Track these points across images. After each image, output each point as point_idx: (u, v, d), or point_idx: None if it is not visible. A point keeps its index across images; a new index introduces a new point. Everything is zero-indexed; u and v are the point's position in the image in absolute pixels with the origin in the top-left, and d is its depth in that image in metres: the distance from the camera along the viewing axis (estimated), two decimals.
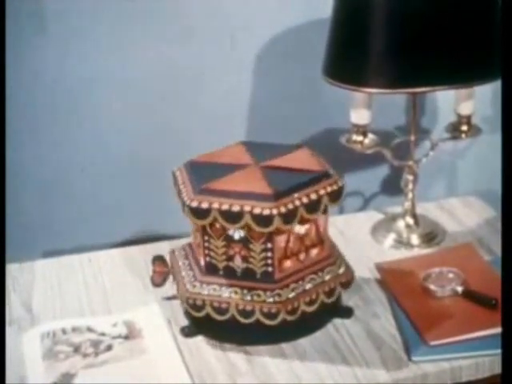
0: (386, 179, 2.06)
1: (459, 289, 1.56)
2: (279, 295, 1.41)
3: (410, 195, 1.80)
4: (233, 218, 1.37)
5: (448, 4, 1.55)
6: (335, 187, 1.43)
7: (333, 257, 1.50)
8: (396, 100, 1.89)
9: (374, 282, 1.64)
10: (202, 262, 1.46)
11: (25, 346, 1.47)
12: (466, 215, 1.89)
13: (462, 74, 1.60)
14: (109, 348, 1.46)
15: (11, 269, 1.69)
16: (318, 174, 1.44)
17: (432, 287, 1.57)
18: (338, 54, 1.63)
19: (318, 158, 1.50)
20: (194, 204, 1.38)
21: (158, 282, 1.56)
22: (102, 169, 1.86)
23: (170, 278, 1.54)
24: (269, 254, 1.42)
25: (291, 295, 1.42)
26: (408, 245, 1.78)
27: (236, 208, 1.36)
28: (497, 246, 1.71)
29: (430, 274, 1.60)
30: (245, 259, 1.42)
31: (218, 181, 1.41)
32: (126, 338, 1.48)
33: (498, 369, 1.41)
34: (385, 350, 1.45)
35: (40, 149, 1.81)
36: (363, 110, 1.72)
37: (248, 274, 1.43)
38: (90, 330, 1.51)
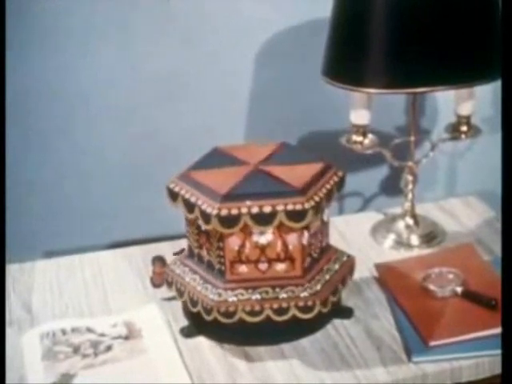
0: (385, 179, 2.06)
1: (459, 289, 1.56)
2: (219, 295, 1.42)
3: (410, 196, 1.80)
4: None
5: (448, 4, 1.55)
6: (292, 206, 1.38)
7: (306, 279, 1.44)
8: (396, 100, 1.89)
9: (374, 282, 1.64)
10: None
11: (24, 346, 1.47)
12: (466, 215, 1.89)
13: (462, 74, 1.60)
14: (108, 348, 1.46)
15: (11, 269, 1.69)
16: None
17: (432, 287, 1.57)
18: (337, 54, 1.63)
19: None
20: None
21: (157, 282, 1.56)
22: (103, 169, 1.86)
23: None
24: (221, 253, 1.43)
25: (231, 299, 1.42)
26: (408, 245, 1.78)
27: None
28: (497, 246, 1.71)
29: (429, 274, 1.60)
30: (208, 252, 1.45)
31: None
32: (126, 338, 1.48)
33: (498, 369, 1.41)
34: (385, 351, 1.45)
35: (40, 150, 1.81)
36: (363, 110, 1.72)
37: (210, 266, 1.46)
38: (89, 330, 1.51)
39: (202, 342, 1.48)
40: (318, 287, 1.43)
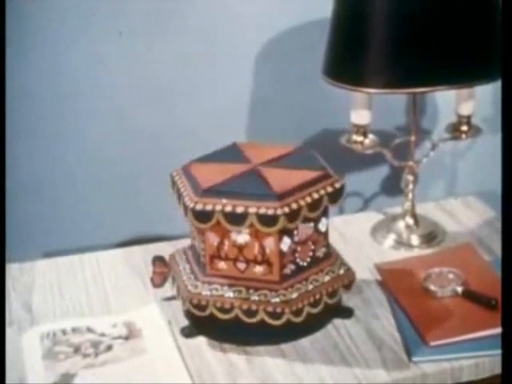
0: (386, 179, 2.06)
1: (459, 289, 1.56)
2: (195, 287, 1.43)
3: (410, 195, 1.80)
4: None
5: (448, 4, 1.55)
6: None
7: (283, 285, 1.42)
8: (396, 100, 1.89)
9: (374, 282, 1.64)
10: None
11: (25, 347, 1.47)
12: (466, 215, 1.89)
13: (462, 74, 1.60)
14: (109, 348, 1.46)
15: (11, 269, 1.69)
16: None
17: (432, 287, 1.57)
18: (338, 54, 1.63)
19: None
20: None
21: (157, 282, 1.56)
22: (103, 168, 1.86)
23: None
24: (203, 247, 1.44)
25: (205, 293, 1.43)
26: (408, 245, 1.78)
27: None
28: (497, 247, 1.71)
29: (430, 274, 1.60)
30: (198, 244, 1.47)
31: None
32: (126, 338, 1.48)
33: (498, 369, 1.41)
34: (385, 351, 1.45)
35: (40, 149, 1.82)
36: (363, 110, 1.72)
37: (199, 258, 1.47)
38: (89, 330, 1.51)
39: (202, 341, 1.48)
40: (294, 296, 1.41)
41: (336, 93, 1.67)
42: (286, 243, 1.42)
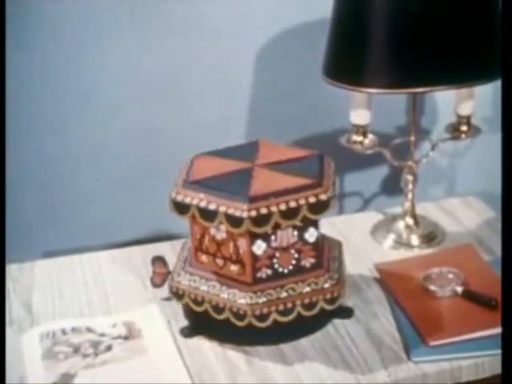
0: (385, 179, 2.06)
1: (459, 289, 1.56)
2: (178, 275, 1.47)
3: (410, 195, 1.80)
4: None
5: (448, 4, 1.55)
6: (232, 211, 1.37)
7: (253, 288, 1.41)
8: (396, 100, 1.89)
9: (374, 282, 1.64)
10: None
11: (25, 346, 1.47)
12: (466, 215, 1.89)
13: (462, 74, 1.60)
14: (108, 348, 1.46)
15: (11, 269, 1.69)
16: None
17: (432, 287, 1.57)
18: (338, 54, 1.63)
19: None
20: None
21: (157, 282, 1.56)
22: (102, 169, 1.86)
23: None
24: (190, 238, 1.48)
25: (184, 282, 1.45)
26: (408, 245, 1.78)
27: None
28: (497, 247, 1.71)
29: (429, 274, 1.60)
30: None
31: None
32: (126, 338, 1.48)
33: (498, 369, 1.41)
34: (385, 351, 1.45)
35: (40, 150, 1.81)
36: (363, 110, 1.72)
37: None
38: (89, 330, 1.51)
39: (202, 342, 1.48)
40: (261, 300, 1.40)
41: (336, 93, 1.67)
42: (260, 246, 1.40)
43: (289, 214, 1.38)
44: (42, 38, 1.73)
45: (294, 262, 1.44)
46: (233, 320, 1.41)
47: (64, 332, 1.50)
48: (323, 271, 1.45)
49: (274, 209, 1.37)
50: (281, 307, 1.41)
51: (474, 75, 1.61)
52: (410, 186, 1.79)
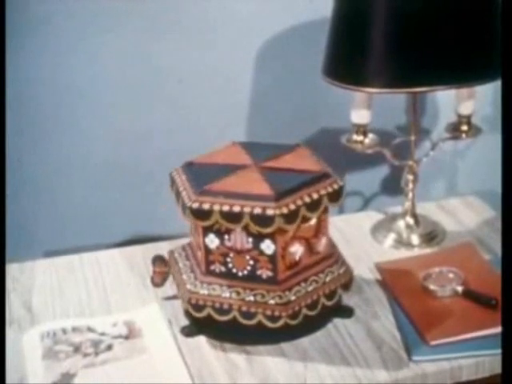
0: (386, 179, 2.06)
1: (459, 289, 1.56)
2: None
3: (410, 195, 1.80)
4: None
5: (448, 4, 1.55)
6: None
7: (281, 288, 1.42)
8: (396, 100, 1.89)
9: (374, 281, 1.64)
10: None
11: (25, 346, 1.47)
12: (466, 215, 1.89)
13: (462, 74, 1.60)
14: (109, 348, 1.46)
15: (11, 269, 1.69)
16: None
17: (432, 287, 1.57)
18: (338, 54, 1.63)
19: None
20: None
21: (158, 282, 1.56)
22: (103, 168, 1.86)
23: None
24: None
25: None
26: (408, 245, 1.78)
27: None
28: (497, 246, 1.71)
29: (430, 273, 1.60)
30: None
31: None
32: (126, 337, 1.49)
33: (498, 369, 1.41)
34: (385, 350, 1.45)
35: (39, 149, 1.82)
36: (363, 109, 1.72)
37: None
38: (90, 329, 1.51)
39: (202, 341, 1.48)
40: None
41: (336, 93, 1.67)
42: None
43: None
44: (41, 37, 1.73)
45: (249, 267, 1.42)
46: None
47: (64, 331, 1.50)
48: (276, 287, 1.43)
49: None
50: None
51: (474, 75, 1.61)
52: (411, 186, 1.79)
